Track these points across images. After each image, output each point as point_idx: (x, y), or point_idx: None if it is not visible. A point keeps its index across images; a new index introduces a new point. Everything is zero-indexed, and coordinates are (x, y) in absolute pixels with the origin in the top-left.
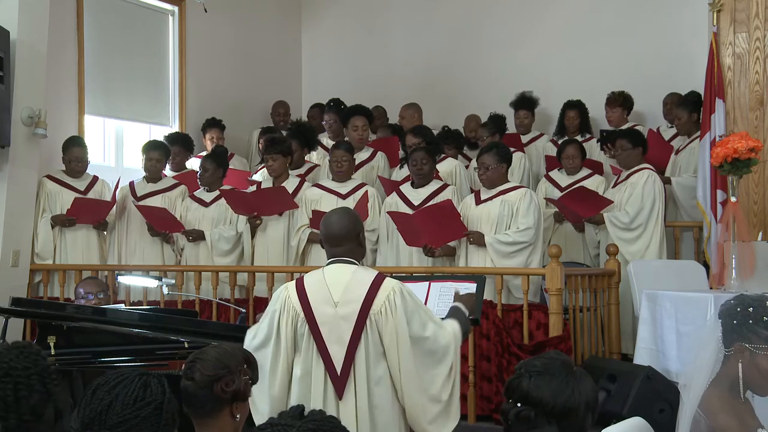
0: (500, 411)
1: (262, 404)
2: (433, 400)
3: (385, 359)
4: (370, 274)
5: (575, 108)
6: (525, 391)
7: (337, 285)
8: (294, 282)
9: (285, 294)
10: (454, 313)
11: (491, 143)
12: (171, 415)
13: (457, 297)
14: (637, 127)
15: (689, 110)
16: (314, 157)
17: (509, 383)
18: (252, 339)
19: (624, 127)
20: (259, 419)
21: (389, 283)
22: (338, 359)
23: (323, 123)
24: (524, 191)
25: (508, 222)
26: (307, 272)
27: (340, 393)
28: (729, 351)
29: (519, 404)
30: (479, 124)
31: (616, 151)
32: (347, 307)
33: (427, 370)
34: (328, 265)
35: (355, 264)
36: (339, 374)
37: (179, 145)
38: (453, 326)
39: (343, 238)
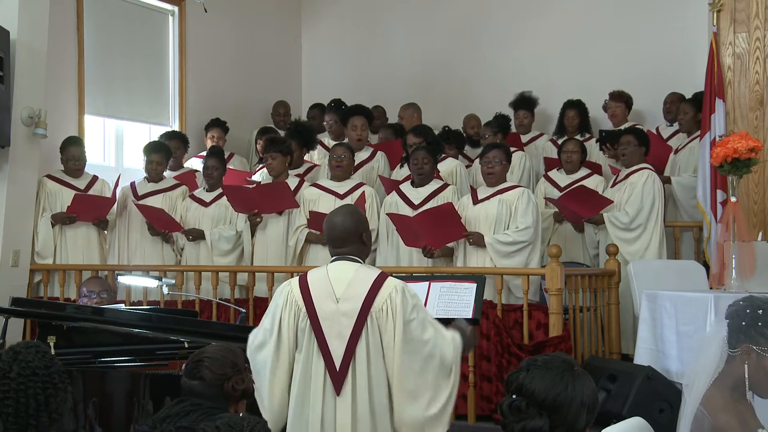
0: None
1: (265, 401)
2: (426, 404)
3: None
4: (373, 273)
5: (575, 107)
6: (520, 382)
7: (340, 281)
8: (298, 277)
9: (288, 288)
10: (455, 325)
11: (497, 143)
12: None
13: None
14: (637, 127)
15: (696, 109)
16: (314, 156)
17: (509, 376)
18: (254, 338)
19: (624, 126)
20: (265, 416)
21: (391, 282)
22: (338, 355)
23: (324, 124)
24: (521, 190)
25: (507, 221)
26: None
27: (337, 389)
28: (734, 351)
29: (514, 396)
30: (479, 123)
31: (621, 146)
32: (349, 303)
33: (423, 374)
34: (332, 262)
35: (359, 262)
36: (338, 370)
37: (178, 139)
38: (454, 335)
39: (347, 240)
